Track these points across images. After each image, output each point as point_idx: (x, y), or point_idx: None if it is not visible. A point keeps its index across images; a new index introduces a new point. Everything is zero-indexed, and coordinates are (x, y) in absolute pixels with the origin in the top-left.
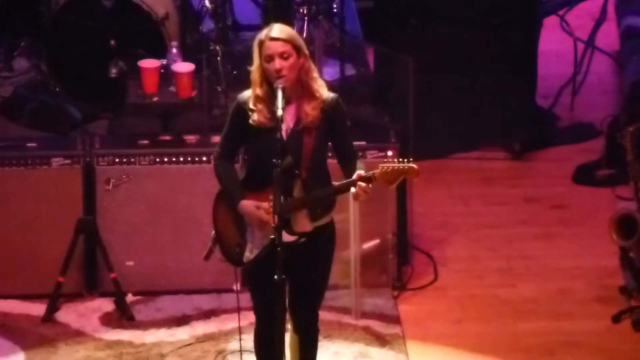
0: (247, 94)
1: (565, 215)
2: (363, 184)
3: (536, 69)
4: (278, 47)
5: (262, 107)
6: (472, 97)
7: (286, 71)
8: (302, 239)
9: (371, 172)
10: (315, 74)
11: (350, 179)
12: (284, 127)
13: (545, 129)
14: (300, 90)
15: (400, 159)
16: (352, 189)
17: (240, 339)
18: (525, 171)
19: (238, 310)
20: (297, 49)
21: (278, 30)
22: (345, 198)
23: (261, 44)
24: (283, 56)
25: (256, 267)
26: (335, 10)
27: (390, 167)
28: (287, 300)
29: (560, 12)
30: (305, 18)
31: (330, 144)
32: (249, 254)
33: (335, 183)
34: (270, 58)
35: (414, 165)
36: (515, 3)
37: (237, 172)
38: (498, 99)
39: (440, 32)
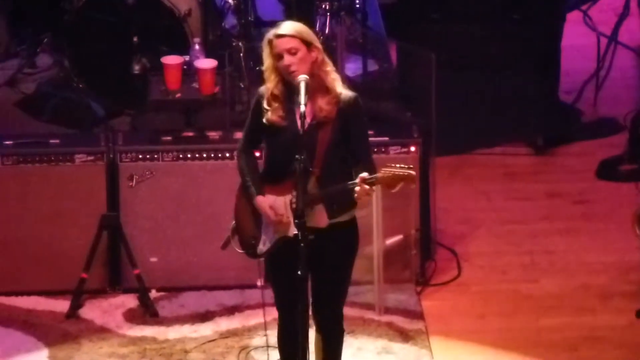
0: (265, 88)
1: (588, 210)
2: (366, 187)
3: (559, 64)
4: (284, 43)
5: (277, 106)
6: (494, 92)
7: (295, 66)
8: (311, 236)
9: (374, 175)
10: (329, 68)
11: (354, 181)
12: (299, 122)
13: (568, 124)
14: (314, 85)
15: (402, 165)
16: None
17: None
18: (548, 166)
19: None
20: (306, 43)
21: (284, 27)
22: None
23: (270, 43)
24: (291, 52)
25: (276, 262)
26: (357, 5)
27: (391, 172)
28: (309, 298)
29: (584, 7)
30: (328, 14)
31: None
32: (262, 247)
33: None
34: (279, 56)
35: (413, 172)
36: None
37: (257, 165)
38: (521, 94)
39: (463, 27)
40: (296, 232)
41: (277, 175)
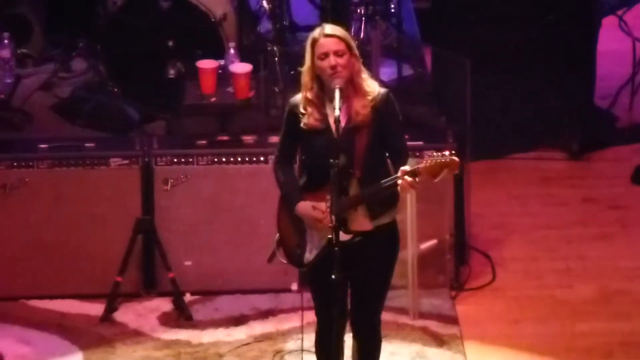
0: (299, 97)
1: (623, 215)
2: (409, 179)
3: (595, 69)
4: (333, 44)
5: (312, 110)
6: (530, 96)
7: (341, 68)
8: (357, 238)
9: (416, 166)
10: (365, 75)
11: (395, 175)
12: (335, 127)
13: (603, 129)
14: (351, 90)
15: (443, 153)
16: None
17: (302, 339)
18: (583, 171)
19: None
20: (349, 48)
21: (332, 28)
22: (402, 198)
23: (315, 42)
24: (338, 54)
25: (316, 268)
26: (392, 10)
27: (433, 161)
28: (347, 303)
29: (619, 12)
30: (363, 18)
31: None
32: (308, 255)
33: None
34: (325, 55)
35: (455, 158)
36: (572, 0)
37: (295, 174)
38: (556, 99)
39: (497, 32)
40: (345, 238)
41: (316, 182)
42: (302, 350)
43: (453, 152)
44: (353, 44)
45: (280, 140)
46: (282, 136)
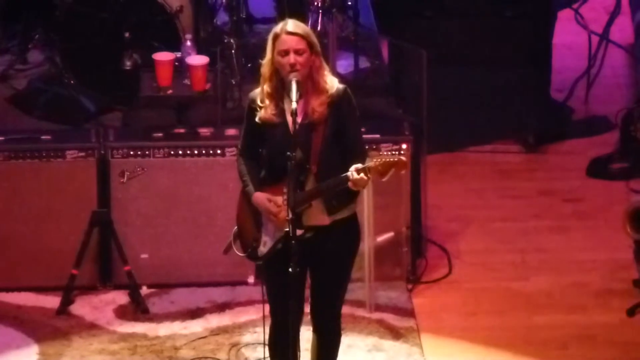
0: (257, 91)
1: (579, 208)
2: (357, 176)
3: (550, 62)
4: (294, 42)
5: (269, 103)
6: (486, 89)
7: (300, 66)
8: (309, 234)
9: (366, 165)
10: (326, 72)
11: (346, 173)
12: (292, 120)
13: (559, 122)
14: (309, 87)
15: (392, 152)
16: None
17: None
18: (539, 164)
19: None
20: (310, 46)
21: (294, 25)
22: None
23: (276, 37)
24: (298, 52)
25: (271, 261)
26: (349, 2)
27: (381, 160)
28: (303, 297)
29: (575, 5)
30: (320, 11)
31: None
32: (263, 248)
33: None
34: (285, 53)
35: (403, 158)
36: None
37: (256, 166)
38: (512, 92)
39: (454, 25)
40: (297, 233)
41: (275, 175)
42: (264, 344)
43: (401, 152)
44: (315, 41)
45: (242, 135)
46: (243, 131)
